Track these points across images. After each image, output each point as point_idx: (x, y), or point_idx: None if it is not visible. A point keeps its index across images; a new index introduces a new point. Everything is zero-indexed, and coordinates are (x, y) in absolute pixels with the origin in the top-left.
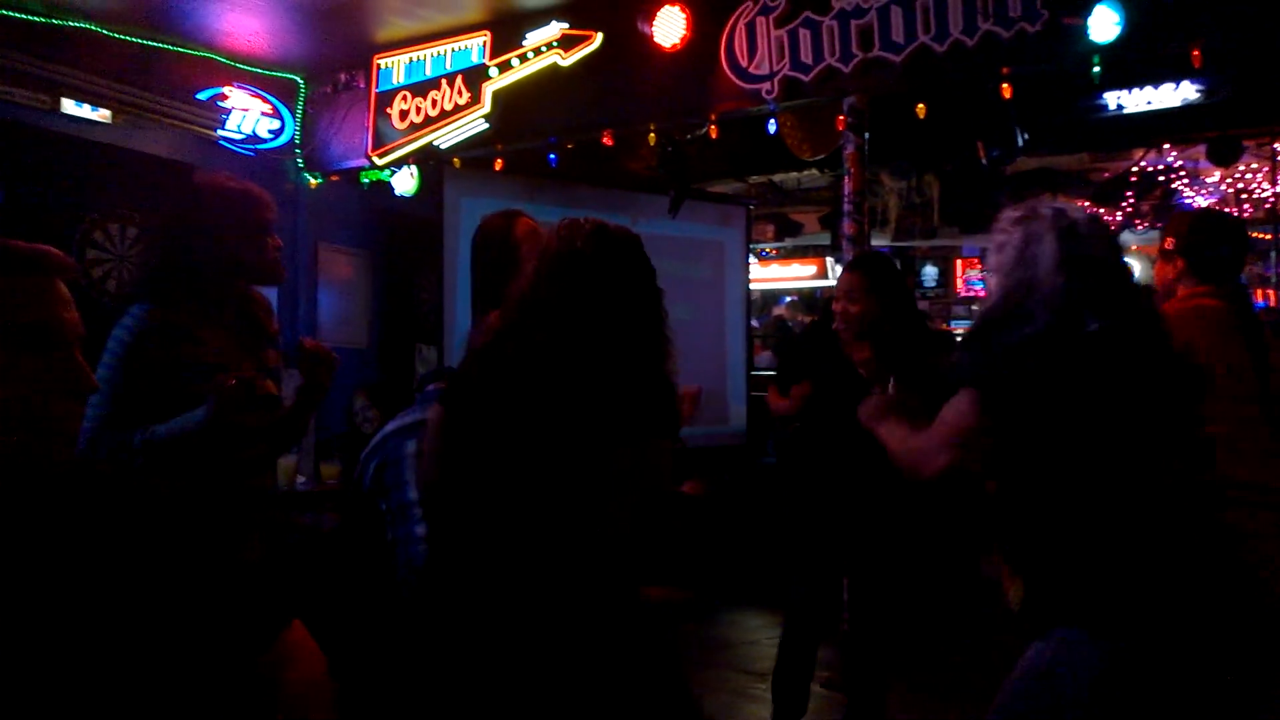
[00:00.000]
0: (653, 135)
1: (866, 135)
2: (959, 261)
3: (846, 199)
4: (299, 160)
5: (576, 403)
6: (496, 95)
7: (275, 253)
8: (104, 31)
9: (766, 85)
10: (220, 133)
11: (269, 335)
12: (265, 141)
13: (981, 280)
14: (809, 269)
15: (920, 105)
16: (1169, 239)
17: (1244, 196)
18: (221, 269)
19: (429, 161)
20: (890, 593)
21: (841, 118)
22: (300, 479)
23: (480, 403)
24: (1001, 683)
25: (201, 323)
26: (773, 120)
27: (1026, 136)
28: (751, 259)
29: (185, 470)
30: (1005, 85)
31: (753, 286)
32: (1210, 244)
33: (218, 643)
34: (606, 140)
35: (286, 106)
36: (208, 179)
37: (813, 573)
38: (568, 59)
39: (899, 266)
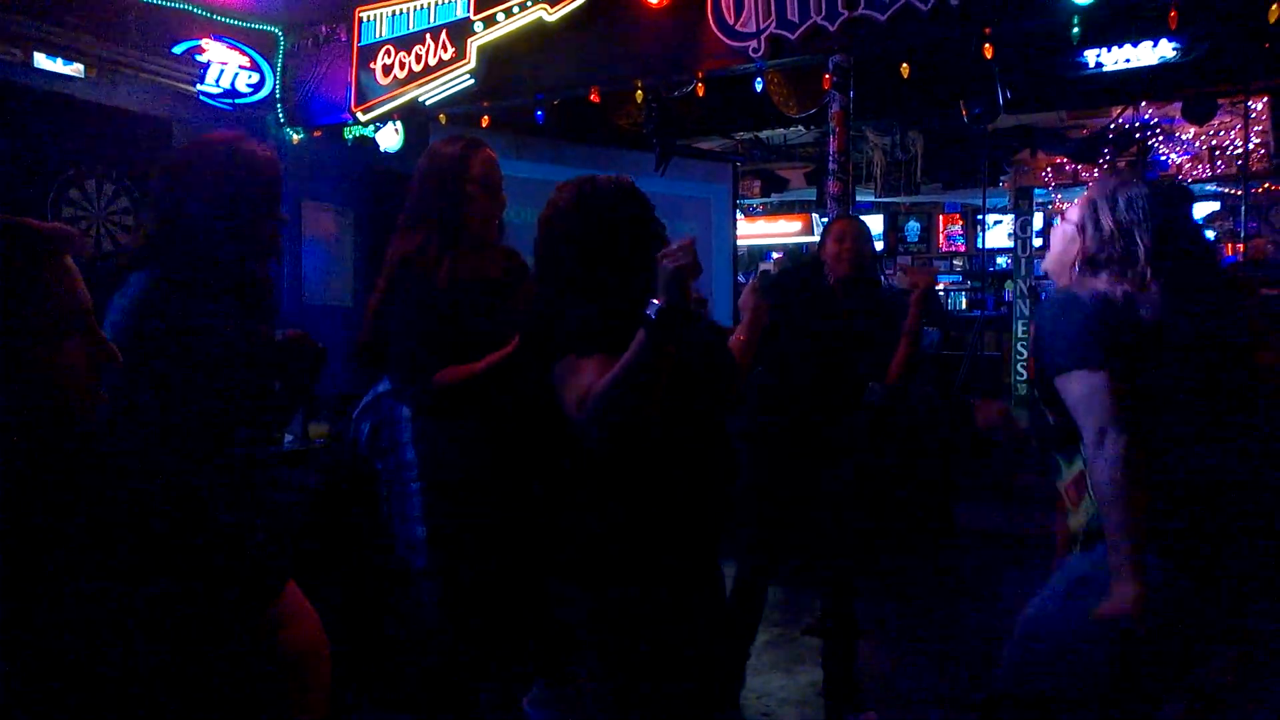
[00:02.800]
0: (639, 92)
1: (851, 94)
2: (941, 217)
3: (831, 157)
4: (280, 115)
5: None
6: (482, 51)
7: (280, 229)
8: None
9: (753, 43)
10: (199, 87)
11: (267, 306)
12: (244, 96)
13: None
14: (795, 225)
15: (904, 65)
16: None
17: (1217, 153)
18: (230, 241)
19: (414, 117)
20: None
21: (827, 76)
22: (288, 437)
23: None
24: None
25: (211, 291)
26: (759, 78)
27: (1009, 94)
28: (738, 215)
29: (181, 443)
30: (987, 44)
31: (739, 243)
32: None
33: (213, 607)
34: (593, 97)
35: (266, 60)
36: (238, 144)
37: (763, 515)
38: (553, 14)
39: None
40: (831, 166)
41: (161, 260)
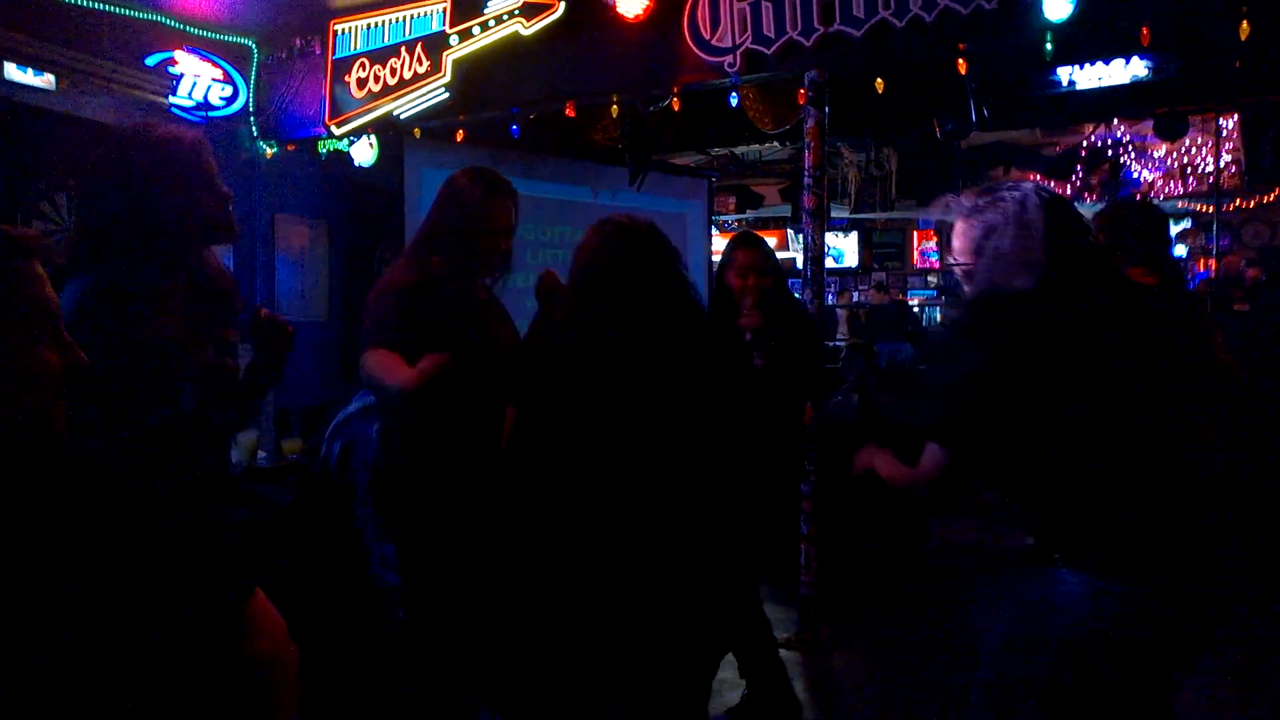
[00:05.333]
0: (615, 106)
1: (827, 109)
2: (915, 233)
3: (806, 173)
4: (253, 129)
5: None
6: (457, 64)
7: (227, 203)
8: None
9: (729, 58)
10: (171, 99)
11: (230, 310)
12: (217, 109)
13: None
14: (770, 241)
15: (879, 81)
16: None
17: (1189, 170)
18: (172, 226)
19: (388, 131)
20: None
21: (802, 91)
22: (261, 454)
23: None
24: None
25: (154, 293)
26: (735, 93)
27: (986, 113)
28: (714, 230)
29: (145, 453)
30: (961, 61)
31: (715, 259)
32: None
33: (178, 614)
34: (569, 111)
35: (239, 72)
36: (138, 127)
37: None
38: (529, 27)
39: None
40: (807, 181)
41: (94, 265)
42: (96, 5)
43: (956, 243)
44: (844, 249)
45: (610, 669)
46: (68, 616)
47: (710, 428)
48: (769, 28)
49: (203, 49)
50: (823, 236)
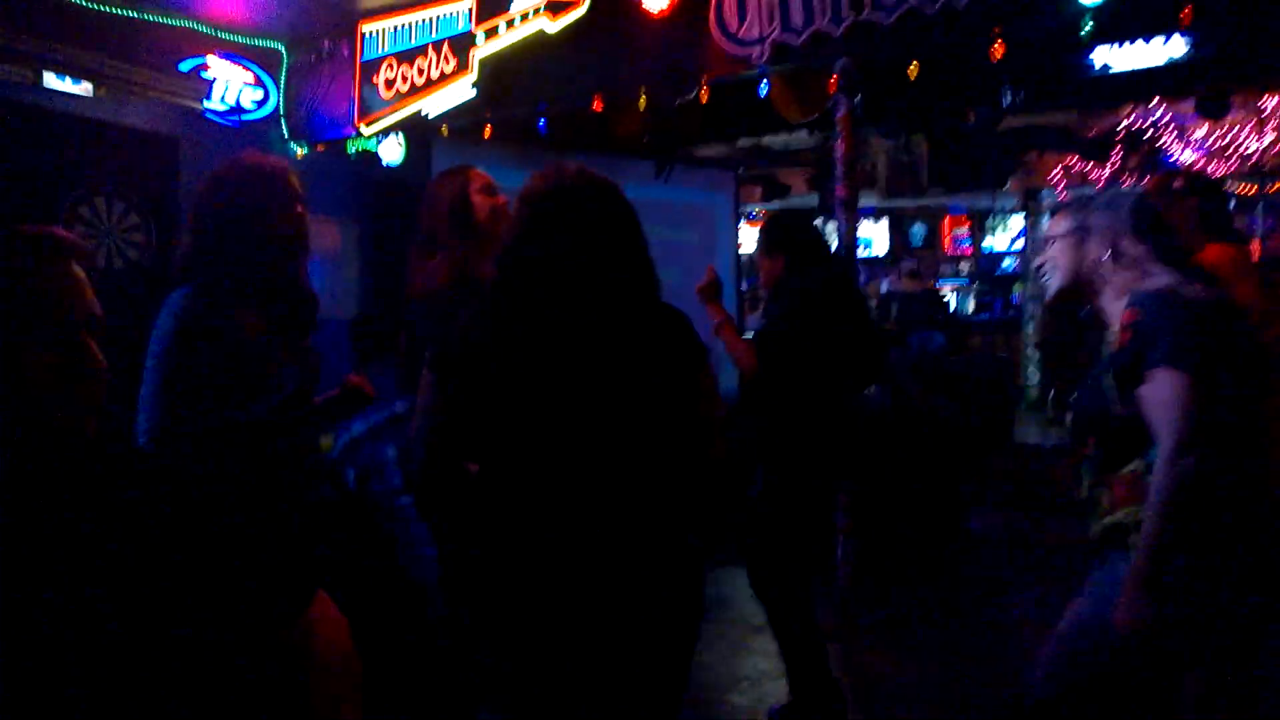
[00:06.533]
0: (644, 100)
1: (859, 98)
2: (947, 219)
3: (839, 162)
4: (284, 131)
5: (608, 355)
6: (484, 62)
7: (303, 222)
8: (84, 3)
9: (757, 50)
10: (205, 104)
11: (309, 319)
12: (249, 112)
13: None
14: None
15: (912, 67)
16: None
17: (1230, 151)
18: (259, 245)
19: (416, 130)
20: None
21: (834, 79)
22: None
23: (501, 369)
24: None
25: (244, 306)
26: (764, 83)
27: (1022, 96)
28: (740, 221)
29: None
30: (996, 46)
31: (741, 251)
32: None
33: (246, 615)
34: (597, 107)
35: (270, 76)
36: (233, 160)
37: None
38: (555, 24)
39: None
40: (839, 171)
41: (201, 273)
42: (132, 14)
43: None
44: (873, 237)
45: (573, 664)
46: (146, 618)
47: (646, 408)
48: (797, 18)
49: (235, 53)
50: (855, 225)
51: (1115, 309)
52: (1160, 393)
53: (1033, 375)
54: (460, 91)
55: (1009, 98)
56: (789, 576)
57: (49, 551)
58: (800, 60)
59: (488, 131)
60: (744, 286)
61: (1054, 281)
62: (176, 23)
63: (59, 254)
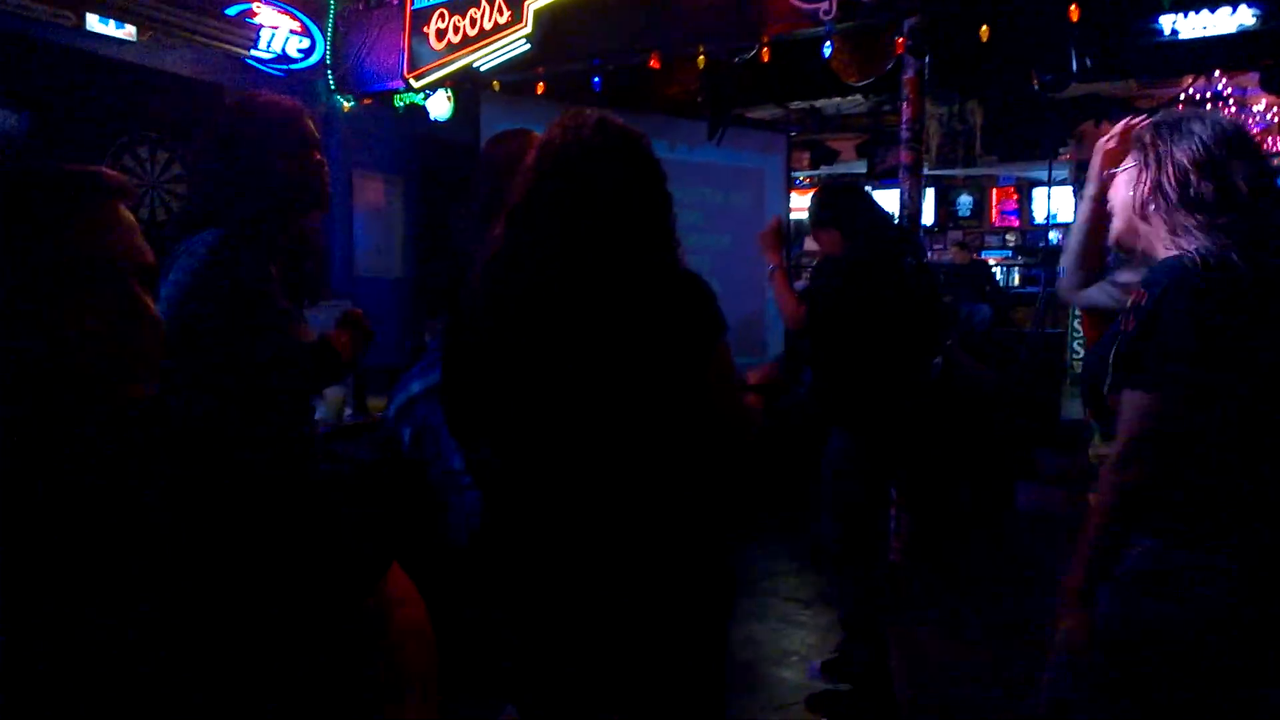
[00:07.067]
0: (702, 58)
1: (928, 59)
2: (994, 190)
3: (904, 126)
4: (330, 82)
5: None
6: (539, 14)
7: (324, 172)
8: None
9: (824, 4)
10: (251, 52)
11: (314, 282)
12: (295, 61)
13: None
14: None
15: (984, 28)
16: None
17: None
18: (277, 192)
19: (466, 84)
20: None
21: (901, 40)
22: (348, 411)
23: (507, 329)
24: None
25: (260, 254)
26: (829, 42)
27: (1089, 62)
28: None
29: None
30: (1073, 6)
31: (794, 216)
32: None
33: (323, 586)
34: (653, 63)
35: (316, 24)
36: (243, 96)
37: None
38: None
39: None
40: (904, 135)
41: (224, 220)
42: None
43: None
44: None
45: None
46: (193, 587)
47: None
48: None
49: (280, 0)
50: (920, 193)
51: None
52: (1127, 404)
53: (1079, 350)
54: (514, 44)
55: (1076, 63)
56: (859, 515)
57: (102, 528)
58: (868, 17)
59: (540, 88)
60: (791, 254)
61: (1113, 227)
62: None
63: (106, 194)
